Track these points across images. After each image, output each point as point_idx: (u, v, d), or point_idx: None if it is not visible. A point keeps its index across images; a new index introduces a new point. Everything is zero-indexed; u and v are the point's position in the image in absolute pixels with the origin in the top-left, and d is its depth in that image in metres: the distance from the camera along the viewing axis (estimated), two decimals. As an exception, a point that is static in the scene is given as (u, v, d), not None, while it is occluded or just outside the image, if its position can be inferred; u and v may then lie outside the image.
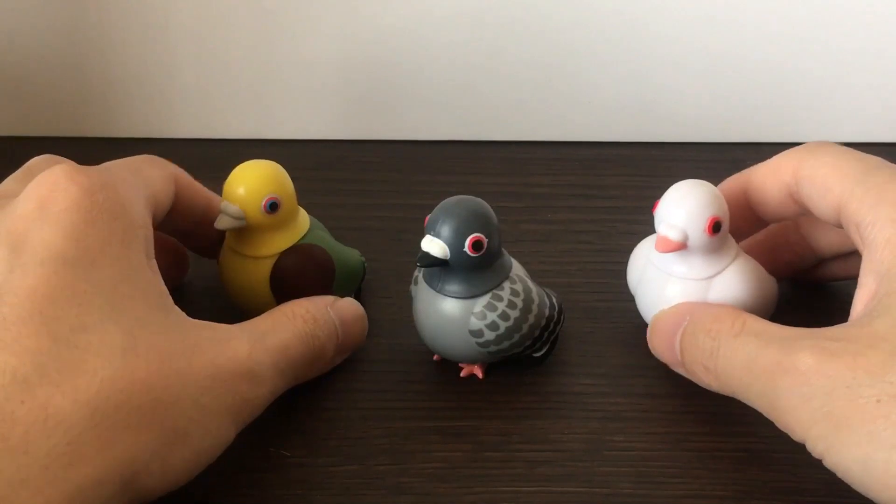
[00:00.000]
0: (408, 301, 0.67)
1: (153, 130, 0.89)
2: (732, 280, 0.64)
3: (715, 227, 0.62)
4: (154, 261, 0.58)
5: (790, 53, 0.85)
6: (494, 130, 0.88)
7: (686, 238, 0.62)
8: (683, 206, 0.62)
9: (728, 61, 0.85)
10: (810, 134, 0.87)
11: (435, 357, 0.67)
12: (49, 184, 0.54)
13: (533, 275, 0.67)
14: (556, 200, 0.82)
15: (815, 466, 0.55)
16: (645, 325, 0.68)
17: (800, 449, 0.55)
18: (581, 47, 0.85)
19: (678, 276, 0.64)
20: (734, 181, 0.67)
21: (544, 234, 0.78)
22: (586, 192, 0.83)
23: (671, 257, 0.64)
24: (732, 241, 0.66)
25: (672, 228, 0.62)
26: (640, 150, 0.88)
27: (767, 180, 0.65)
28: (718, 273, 0.64)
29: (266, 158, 0.67)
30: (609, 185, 0.84)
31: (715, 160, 0.86)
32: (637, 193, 0.81)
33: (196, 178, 0.81)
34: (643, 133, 0.88)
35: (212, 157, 0.85)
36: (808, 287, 0.73)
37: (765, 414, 0.57)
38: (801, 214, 0.66)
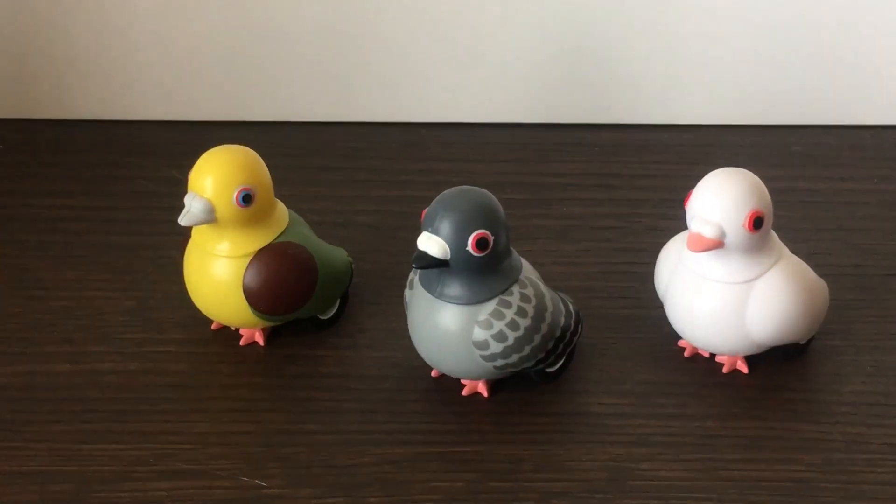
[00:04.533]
0: (402, 308, 0.67)
1: (111, 111, 0.88)
2: (777, 284, 0.64)
3: (756, 223, 0.62)
4: None
5: (847, 22, 0.85)
6: (502, 111, 0.88)
7: (723, 235, 0.62)
8: (720, 199, 0.62)
9: (773, 30, 0.85)
10: (864, 116, 0.87)
11: (433, 373, 0.67)
12: None
13: (545, 278, 0.66)
14: (573, 192, 0.82)
15: (869, 498, 0.55)
16: (675, 336, 0.68)
17: (852, 479, 0.55)
18: (602, 14, 0.85)
19: (714, 279, 0.64)
20: None
21: (559, 230, 0.78)
22: (608, 182, 0.83)
23: (705, 257, 0.64)
24: (776, 238, 0.65)
25: (706, 224, 0.62)
26: (671, 133, 0.87)
27: None
28: (760, 276, 0.64)
29: (238, 142, 0.67)
30: (634, 174, 0.83)
31: (757, 145, 0.86)
32: (667, 184, 0.81)
33: (160, 165, 0.82)
34: (674, 114, 0.88)
35: (177, 142, 0.86)
36: (863, 290, 0.73)
37: None
38: None
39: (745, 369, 0.67)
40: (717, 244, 0.62)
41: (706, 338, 0.66)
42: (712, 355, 0.68)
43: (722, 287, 0.64)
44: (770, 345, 0.66)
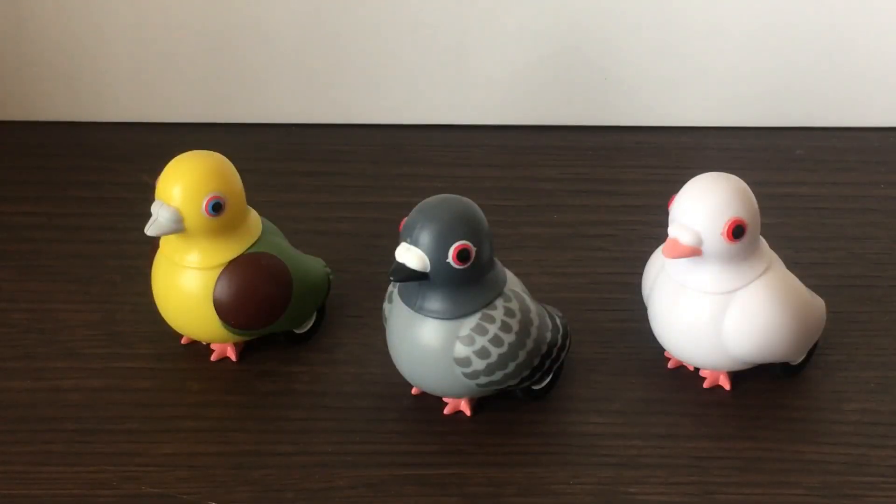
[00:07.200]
0: (381, 322, 0.67)
1: (79, 112, 0.88)
2: (758, 297, 0.63)
3: (735, 232, 0.62)
4: None
5: (852, 19, 0.85)
6: (489, 113, 0.88)
7: (700, 243, 0.62)
8: (698, 205, 0.62)
9: (774, 29, 0.85)
10: (870, 118, 0.87)
11: (413, 391, 0.67)
12: None
13: (533, 290, 0.67)
14: (563, 198, 0.82)
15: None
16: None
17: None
18: (595, 11, 0.85)
19: (692, 287, 0.64)
20: None
21: (548, 239, 0.78)
22: (600, 188, 0.83)
23: (685, 265, 0.64)
24: (766, 249, 0.65)
25: (684, 230, 0.62)
26: (666, 135, 0.87)
27: None
28: (741, 288, 0.63)
29: (213, 145, 0.67)
30: (628, 178, 0.84)
31: (758, 149, 0.86)
32: (662, 189, 0.80)
33: (129, 170, 0.81)
34: (670, 116, 0.88)
35: (149, 145, 0.86)
36: (867, 302, 0.72)
37: None
38: None
39: (727, 386, 0.67)
40: (693, 251, 0.62)
41: (684, 350, 0.66)
42: (696, 368, 0.68)
43: (699, 297, 0.64)
44: (750, 362, 0.65)
